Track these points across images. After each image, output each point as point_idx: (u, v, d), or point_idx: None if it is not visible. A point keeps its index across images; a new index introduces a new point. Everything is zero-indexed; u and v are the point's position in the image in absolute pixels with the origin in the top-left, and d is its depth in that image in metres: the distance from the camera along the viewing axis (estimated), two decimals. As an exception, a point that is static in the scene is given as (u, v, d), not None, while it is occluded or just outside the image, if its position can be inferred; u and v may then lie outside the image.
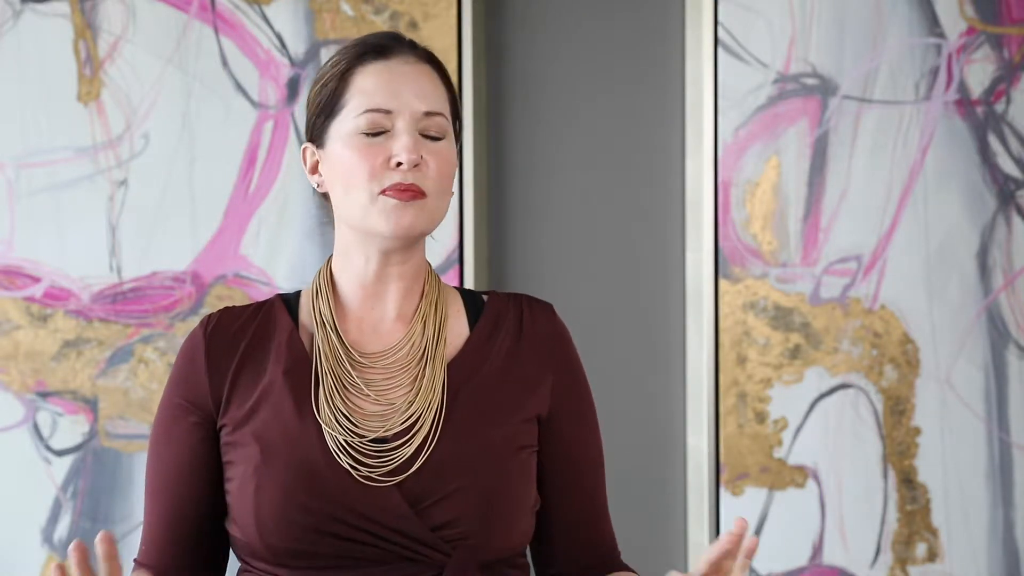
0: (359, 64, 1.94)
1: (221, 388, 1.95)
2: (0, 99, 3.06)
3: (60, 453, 3.06)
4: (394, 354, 1.96)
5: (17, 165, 3.06)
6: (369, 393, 1.93)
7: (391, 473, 1.89)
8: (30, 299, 3.06)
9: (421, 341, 1.96)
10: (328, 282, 1.99)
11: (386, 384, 1.95)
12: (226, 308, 2.01)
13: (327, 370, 1.94)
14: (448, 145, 1.94)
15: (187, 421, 1.96)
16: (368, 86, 1.92)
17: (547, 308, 2.04)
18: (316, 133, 1.96)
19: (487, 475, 1.91)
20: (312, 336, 1.97)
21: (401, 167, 1.90)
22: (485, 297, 2.04)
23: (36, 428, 3.05)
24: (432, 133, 1.93)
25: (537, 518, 2.00)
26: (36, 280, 3.06)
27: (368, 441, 1.90)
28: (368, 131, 1.92)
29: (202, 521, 1.96)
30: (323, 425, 1.91)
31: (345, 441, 1.90)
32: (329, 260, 2.01)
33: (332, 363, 1.94)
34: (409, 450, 1.90)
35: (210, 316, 2.00)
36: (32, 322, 3.06)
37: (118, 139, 3.06)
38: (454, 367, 1.96)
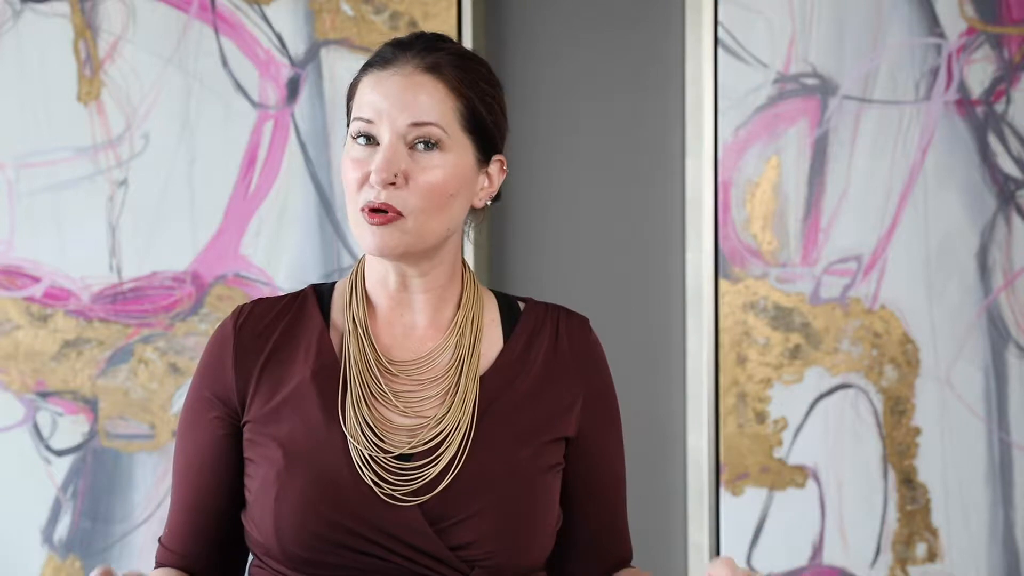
0: (363, 74, 1.92)
1: (247, 385, 1.93)
2: (0, 99, 3.06)
3: (60, 453, 3.06)
4: (426, 365, 1.93)
5: (17, 165, 3.06)
6: (397, 404, 1.91)
7: (414, 492, 1.87)
8: (30, 299, 3.06)
9: (455, 354, 1.93)
10: (361, 281, 1.97)
11: (416, 396, 1.92)
12: (259, 300, 1.99)
13: (355, 376, 1.91)
14: (444, 157, 1.88)
15: (211, 414, 1.95)
16: (362, 96, 1.90)
17: (583, 323, 2.01)
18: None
19: (511, 496, 1.89)
20: (343, 335, 1.95)
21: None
22: (522, 305, 2.01)
23: (36, 428, 3.05)
24: (421, 145, 1.88)
25: (557, 531, 1.99)
26: (36, 280, 3.06)
27: (393, 457, 1.88)
28: (357, 137, 1.89)
29: (223, 512, 1.96)
30: (348, 437, 1.88)
31: (370, 455, 1.87)
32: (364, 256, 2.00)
33: (361, 369, 1.91)
34: (434, 471, 1.88)
35: (242, 308, 1.97)
36: (32, 322, 3.06)
37: (118, 139, 3.06)
38: (486, 381, 1.93)
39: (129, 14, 3.06)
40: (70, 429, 3.05)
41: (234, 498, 1.95)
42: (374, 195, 1.87)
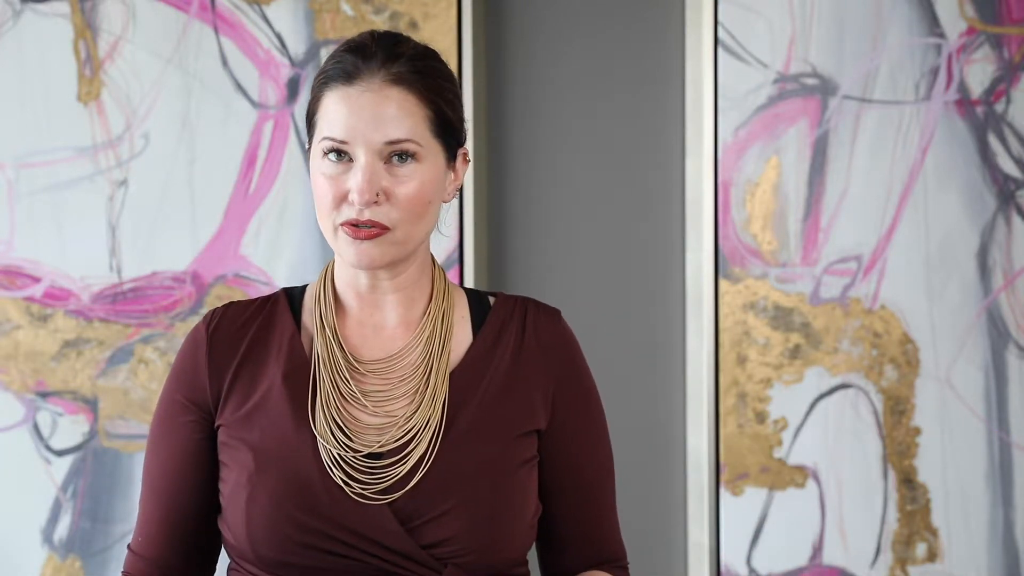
0: (326, 87, 1.90)
1: (220, 387, 1.94)
2: (0, 99, 3.06)
3: (60, 453, 3.06)
4: (395, 364, 1.94)
5: (17, 165, 3.06)
6: (367, 404, 1.92)
7: (385, 491, 1.88)
8: (30, 299, 3.06)
9: (424, 352, 1.94)
10: (331, 283, 1.97)
11: (385, 395, 1.93)
12: (230, 303, 2.00)
13: (325, 378, 1.92)
14: (419, 167, 1.88)
15: (185, 418, 1.95)
16: (330, 113, 1.89)
17: (553, 314, 2.01)
18: (308, 137, 1.95)
19: (482, 494, 1.89)
20: (312, 338, 1.95)
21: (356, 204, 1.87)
22: (491, 299, 2.01)
23: (36, 428, 3.05)
24: (396, 159, 1.88)
25: (542, 525, 1.99)
26: (36, 280, 3.06)
27: (362, 456, 1.89)
28: (330, 156, 1.88)
29: (197, 517, 1.96)
30: (318, 438, 1.89)
31: (339, 455, 1.88)
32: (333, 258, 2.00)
33: (331, 371, 1.92)
34: (404, 469, 1.88)
35: (214, 312, 1.98)
36: (32, 322, 3.06)
37: (118, 139, 3.06)
38: (456, 378, 1.93)
39: (129, 14, 3.06)
40: (70, 429, 3.05)
41: (209, 502, 1.95)
42: (356, 213, 1.87)
